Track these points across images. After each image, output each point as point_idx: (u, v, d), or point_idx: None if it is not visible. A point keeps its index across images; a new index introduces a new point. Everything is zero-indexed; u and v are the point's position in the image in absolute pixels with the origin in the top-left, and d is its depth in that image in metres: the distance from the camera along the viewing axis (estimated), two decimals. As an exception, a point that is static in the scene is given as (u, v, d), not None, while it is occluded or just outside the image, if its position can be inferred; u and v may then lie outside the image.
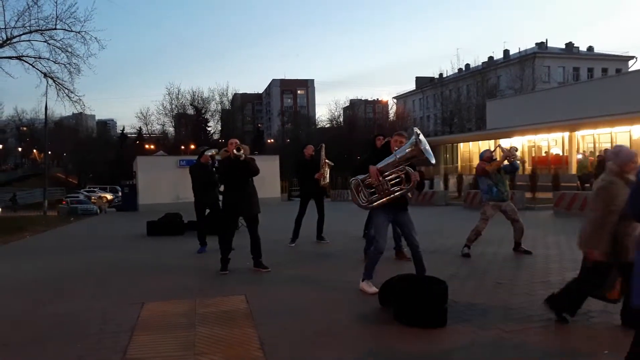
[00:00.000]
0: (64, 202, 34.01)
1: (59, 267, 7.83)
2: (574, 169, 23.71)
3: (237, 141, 6.62)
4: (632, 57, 49.43)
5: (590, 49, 55.22)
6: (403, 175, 4.90)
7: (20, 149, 79.47)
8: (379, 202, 5.00)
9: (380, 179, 4.93)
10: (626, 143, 23.68)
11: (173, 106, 62.25)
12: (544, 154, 29.17)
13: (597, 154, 20.66)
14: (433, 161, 4.88)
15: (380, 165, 4.95)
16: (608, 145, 22.17)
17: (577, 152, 25.66)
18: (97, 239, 12.31)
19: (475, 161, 30.88)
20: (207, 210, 8.99)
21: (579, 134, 26.18)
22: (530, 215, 12.94)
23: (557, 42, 56.15)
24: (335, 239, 9.21)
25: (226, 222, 6.66)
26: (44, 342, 4.01)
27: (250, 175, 6.52)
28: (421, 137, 4.83)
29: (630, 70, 43.26)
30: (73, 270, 7.47)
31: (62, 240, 12.86)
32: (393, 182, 4.94)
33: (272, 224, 11.25)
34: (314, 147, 8.99)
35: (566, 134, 26.64)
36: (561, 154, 27.63)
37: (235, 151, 6.33)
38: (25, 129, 75.35)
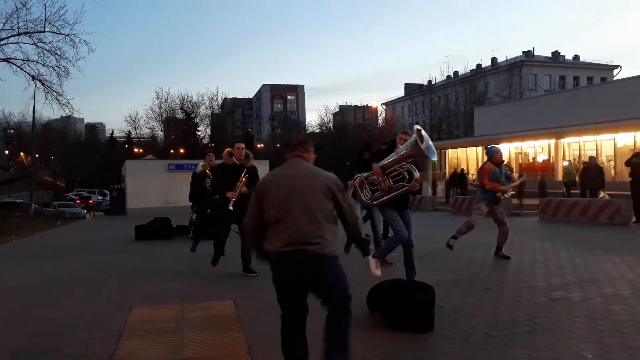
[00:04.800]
0: (78, 202, 39.06)
1: (46, 271, 7.76)
2: (560, 176, 24.00)
3: (243, 146, 6.72)
4: (616, 67, 50.20)
5: (576, 57, 56.03)
6: (405, 173, 5.09)
7: (7, 152, 78.44)
8: (380, 199, 5.19)
9: (381, 178, 5.13)
10: (610, 151, 24.06)
11: (162, 110, 61.89)
12: (530, 161, 29.50)
13: (583, 161, 20.95)
14: (434, 158, 5.12)
15: (382, 162, 5.15)
16: (593, 153, 22.47)
17: (563, 159, 25.99)
18: (85, 243, 12.19)
19: (463, 167, 31.16)
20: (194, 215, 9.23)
21: (564, 141, 26.52)
22: (517, 221, 13.08)
23: (543, 51, 56.78)
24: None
25: (220, 227, 6.72)
26: (31, 348, 3.98)
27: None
28: (423, 133, 5.04)
29: (615, 79, 43.93)
30: (60, 274, 7.41)
31: (49, 244, 12.72)
32: (395, 179, 5.14)
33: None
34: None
35: (552, 141, 26.97)
36: (548, 160, 27.95)
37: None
38: (12, 131, 74.44)
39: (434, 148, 5.11)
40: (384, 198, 5.18)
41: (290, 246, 2.78)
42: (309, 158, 3.05)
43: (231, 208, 6.37)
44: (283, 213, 2.80)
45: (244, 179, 6.50)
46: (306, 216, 2.79)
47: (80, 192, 50.48)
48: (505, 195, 7.30)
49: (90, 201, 42.30)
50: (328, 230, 2.83)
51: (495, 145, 7.81)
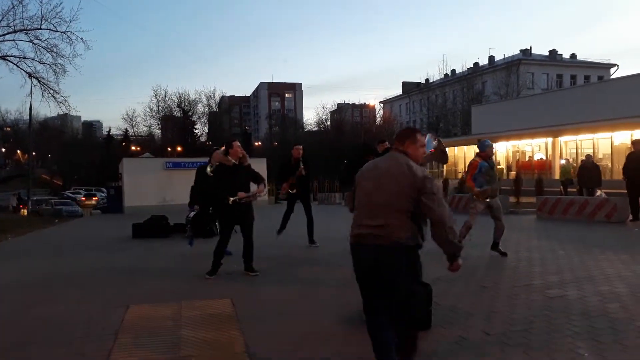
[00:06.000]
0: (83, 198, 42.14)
1: (43, 269, 7.74)
2: (557, 174, 24.04)
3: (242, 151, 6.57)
4: (613, 65, 50.27)
5: (573, 56, 56.06)
6: None
7: (3, 150, 78.18)
8: None
9: None
10: (607, 149, 24.12)
11: (159, 108, 61.66)
12: (527, 159, 29.56)
13: (580, 159, 21.00)
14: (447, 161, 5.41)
15: None
16: (590, 151, 22.54)
17: (560, 157, 26.04)
18: (82, 241, 12.16)
19: (460, 166, 31.20)
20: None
21: (561, 139, 26.57)
22: (514, 219, 13.10)
23: (541, 50, 56.86)
24: (324, 243, 9.21)
25: (224, 230, 6.61)
26: (28, 346, 3.98)
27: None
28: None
29: (612, 77, 44.03)
30: (57, 272, 7.39)
31: (46, 242, 12.69)
32: None
33: (260, 227, 11.21)
34: (302, 149, 8.81)
35: (549, 140, 27.02)
36: (545, 159, 28.02)
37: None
38: (9, 129, 74.17)
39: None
40: None
41: None
42: (408, 151, 3.07)
43: (230, 200, 6.20)
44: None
45: (261, 194, 6.64)
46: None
47: (78, 190, 50.45)
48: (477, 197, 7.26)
49: (95, 198, 43.90)
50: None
51: (488, 140, 7.79)
